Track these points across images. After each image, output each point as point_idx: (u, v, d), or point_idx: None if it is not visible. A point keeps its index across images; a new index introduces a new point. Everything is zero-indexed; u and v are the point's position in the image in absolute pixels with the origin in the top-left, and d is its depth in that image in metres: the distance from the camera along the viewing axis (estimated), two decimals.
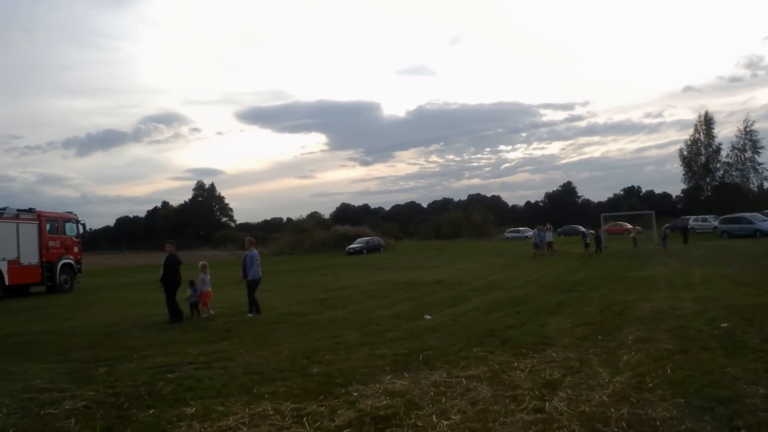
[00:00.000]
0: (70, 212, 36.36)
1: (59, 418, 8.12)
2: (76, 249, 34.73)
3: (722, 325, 12.86)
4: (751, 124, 77.91)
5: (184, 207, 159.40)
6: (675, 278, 23.49)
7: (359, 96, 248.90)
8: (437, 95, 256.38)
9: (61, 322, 19.37)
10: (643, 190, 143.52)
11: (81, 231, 36.36)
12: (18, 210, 31.69)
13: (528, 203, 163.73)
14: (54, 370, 11.44)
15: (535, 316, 15.53)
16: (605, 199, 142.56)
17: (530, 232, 73.56)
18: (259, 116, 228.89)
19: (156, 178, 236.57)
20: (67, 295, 31.37)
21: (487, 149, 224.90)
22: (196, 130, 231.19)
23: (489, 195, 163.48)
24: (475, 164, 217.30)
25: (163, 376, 10.43)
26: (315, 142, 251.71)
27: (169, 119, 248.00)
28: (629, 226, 77.50)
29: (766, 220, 54.62)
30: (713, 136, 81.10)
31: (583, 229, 66.64)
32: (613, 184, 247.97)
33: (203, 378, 10.27)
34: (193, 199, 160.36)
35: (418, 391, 8.69)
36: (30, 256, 31.13)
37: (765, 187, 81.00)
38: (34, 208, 32.70)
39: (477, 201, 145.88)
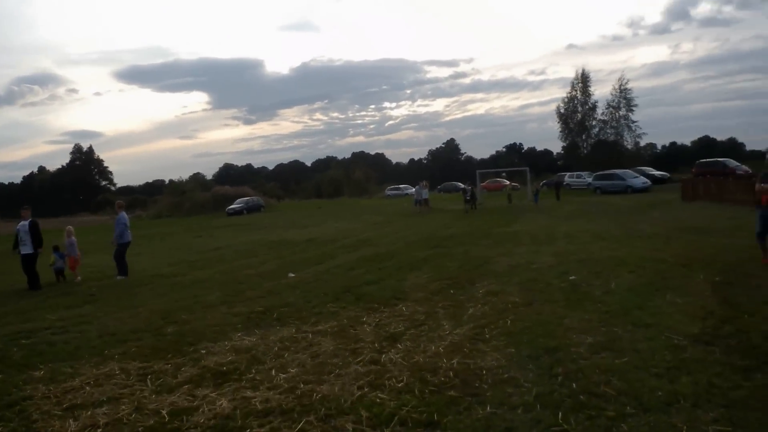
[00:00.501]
0: None
1: None
2: None
3: (571, 278, 13.33)
4: (626, 83, 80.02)
5: (61, 171, 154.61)
6: (540, 233, 24.07)
7: (242, 53, 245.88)
8: (322, 52, 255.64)
9: None
10: (525, 147, 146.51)
11: None
12: None
13: (412, 161, 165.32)
14: None
15: (396, 272, 15.91)
16: (488, 156, 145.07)
17: (411, 190, 74.65)
18: (138, 75, 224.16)
19: (32, 143, 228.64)
20: None
21: (372, 106, 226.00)
22: (72, 91, 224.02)
23: (373, 153, 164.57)
24: (359, 122, 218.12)
25: (18, 342, 10.53)
26: (197, 101, 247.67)
27: (44, 80, 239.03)
28: (507, 182, 79.40)
29: (637, 177, 56.45)
30: (590, 94, 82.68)
31: (462, 185, 67.94)
32: (495, 141, 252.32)
33: (57, 342, 10.40)
34: (71, 163, 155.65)
35: (264, 347, 9.04)
36: None
37: (640, 145, 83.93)
38: None
39: (360, 159, 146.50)
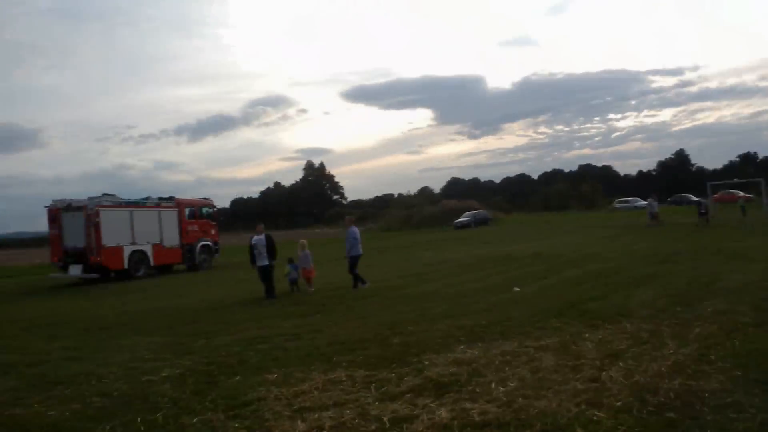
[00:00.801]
0: (206, 198, 39.92)
1: (156, 384, 9.01)
2: (213, 231, 38.07)
3: None
4: None
5: (295, 187, 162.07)
6: None
7: (463, 70, 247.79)
8: (542, 66, 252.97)
9: (172, 300, 20.82)
10: (760, 157, 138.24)
11: (217, 215, 39.76)
12: (159, 198, 35.83)
13: (640, 172, 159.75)
14: (159, 343, 12.49)
15: (622, 288, 15.60)
16: (720, 166, 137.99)
17: (640, 203, 72.47)
18: (364, 95, 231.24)
19: (267, 160, 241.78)
20: (203, 272, 34.83)
21: (597, 118, 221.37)
22: (302, 111, 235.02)
23: (600, 165, 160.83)
24: (584, 134, 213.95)
25: (254, 347, 11.24)
26: (422, 117, 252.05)
27: (276, 102, 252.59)
28: (741, 194, 75.31)
29: None
30: None
31: (695, 198, 65.13)
32: (728, 151, 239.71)
33: (290, 348, 11.01)
34: (304, 179, 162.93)
35: (485, 360, 9.11)
36: (171, 239, 35.02)
37: None
38: (174, 197, 36.61)
39: (587, 171, 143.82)
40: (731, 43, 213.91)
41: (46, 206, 33.27)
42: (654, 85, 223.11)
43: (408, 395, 7.60)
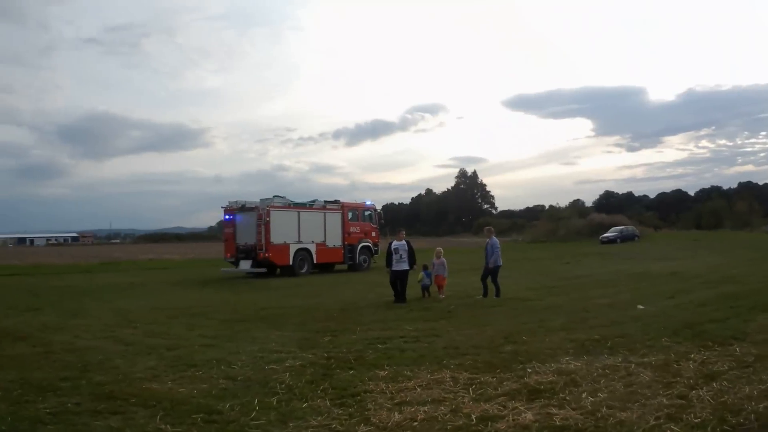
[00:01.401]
0: (370, 202, 42.15)
1: (278, 372, 9.97)
2: (374, 234, 40.32)
3: None
4: None
5: (446, 194, 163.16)
6: None
7: (625, 80, 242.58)
8: (707, 76, 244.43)
9: (309, 299, 21.93)
10: None
11: (379, 219, 41.91)
12: (325, 201, 38.64)
13: None
14: (288, 337, 13.51)
15: (747, 312, 15.36)
16: None
17: None
18: (523, 103, 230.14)
19: (421, 166, 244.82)
20: (363, 272, 37.37)
21: (763, 133, 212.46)
22: (459, 118, 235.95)
23: (762, 183, 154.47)
24: (749, 149, 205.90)
25: (374, 346, 12.06)
26: (580, 127, 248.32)
27: (434, 108, 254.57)
28: None
29: None
30: None
31: None
32: None
33: (407, 349, 11.76)
34: (456, 187, 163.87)
35: (585, 371, 9.53)
36: (334, 239, 37.54)
37: None
38: (339, 200, 39.09)
39: (748, 189, 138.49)
40: None
41: (222, 207, 36.64)
42: None
43: (502, 398, 8.13)
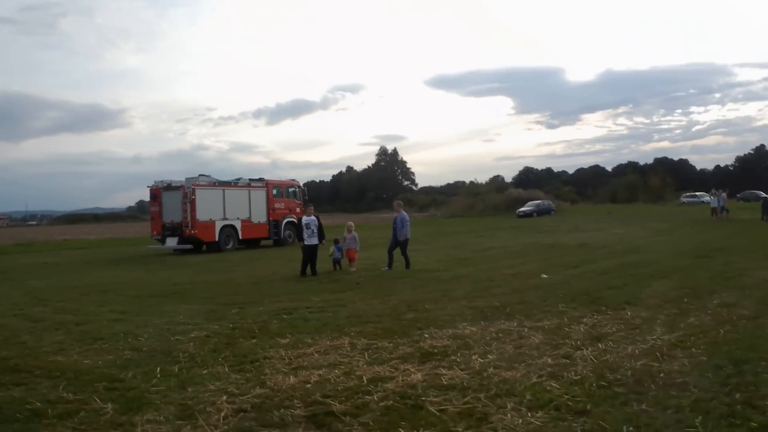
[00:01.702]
0: (293, 180, 42.93)
1: (182, 343, 10.20)
2: (298, 210, 39.73)
3: None
4: None
5: (367, 171, 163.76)
6: None
7: (544, 61, 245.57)
8: (624, 57, 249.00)
9: (222, 274, 22.08)
10: None
11: (304, 195, 42.03)
12: (250, 179, 39.35)
13: (717, 167, 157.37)
14: (196, 310, 13.70)
15: (644, 279, 16.05)
16: None
17: (707, 197, 72.00)
18: (444, 82, 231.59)
19: (342, 145, 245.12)
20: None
21: (678, 111, 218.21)
22: (381, 97, 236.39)
23: (677, 159, 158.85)
24: (664, 127, 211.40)
25: (279, 317, 12.35)
26: (501, 105, 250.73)
27: (354, 87, 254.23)
28: None
29: None
30: None
31: (764, 194, 64.45)
32: None
33: (311, 319, 12.06)
34: (376, 164, 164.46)
35: (479, 336, 9.95)
36: (259, 216, 38.10)
37: None
38: (263, 178, 39.74)
39: (662, 165, 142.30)
40: None
41: (148, 186, 36.88)
42: (740, 78, 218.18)
43: (395, 361, 8.48)
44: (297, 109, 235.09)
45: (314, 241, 20.12)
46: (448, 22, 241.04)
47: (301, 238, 20.34)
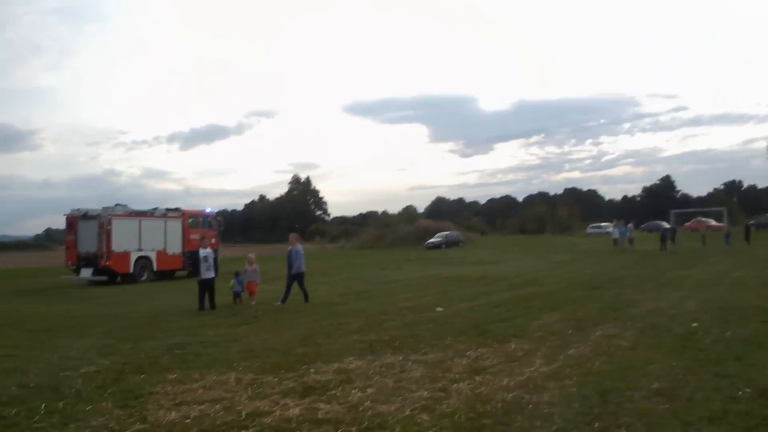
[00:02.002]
0: (210, 210, 42.72)
1: (71, 378, 10.20)
2: (213, 240, 39.46)
3: (693, 325, 13.58)
4: None
5: (280, 200, 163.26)
6: (710, 279, 24.04)
7: (458, 90, 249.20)
8: (537, 88, 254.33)
9: (122, 307, 22.08)
10: (745, 185, 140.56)
11: (219, 226, 42.18)
12: (166, 209, 39.33)
13: (625, 197, 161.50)
14: (90, 345, 13.70)
15: (535, 312, 16.57)
16: (705, 193, 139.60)
17: (611, 228, 74.15)
18: (360, 108, 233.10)
19: (257, 172, 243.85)
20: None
21: (589, 141, 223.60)
22: (296, 123, 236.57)
23: (586, 189, 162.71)
24: (575, 156, 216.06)
25: (172, 352, 12.43)
26: (416, 133, 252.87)
27: (270, 113, 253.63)
28: (713, 222, 77.19)
29: None
30: None
31: (666, 224, 66.62)
32: (716, 178, 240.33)
33: (203, 354, 12.21)
34: (289, 193, 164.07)
35: (363, 370, 10.27)
36: (174, 247, 37.94)
37: None
38: (180, 208, 39.83)
39: (572, 195, 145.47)
40: (724, 68, 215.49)
41: (65, 214, 36.57)
42: (648, 110, 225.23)
43: (276, 396, 8.74)
44: (211, 134, 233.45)
45: (211, 274, 20.17)
46: (365, 48, 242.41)
47: (197, 272, 20.37)
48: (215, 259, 20.71)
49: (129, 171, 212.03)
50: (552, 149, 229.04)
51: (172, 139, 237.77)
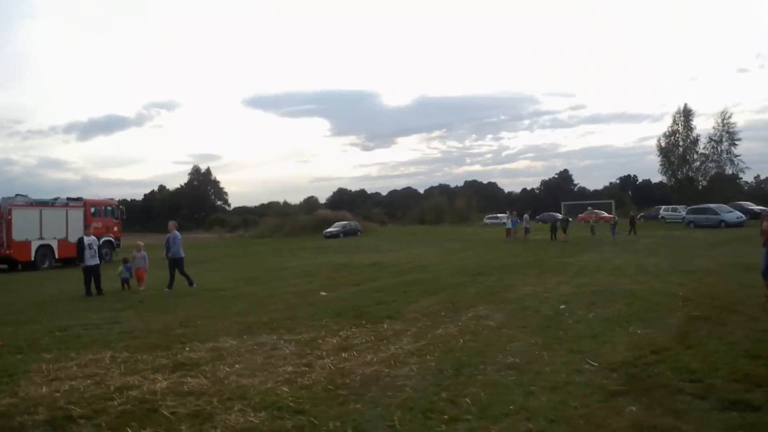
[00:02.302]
0: (111, 199, 43.56)
1: None
2: (116, 228, 41.58)
3: (561, 307, 14.26)
4: (729, 116, 79.98)
5: (180, 191, 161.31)
6: (591, 266, 24.78)
7: (360, 85, 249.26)
8: (439, 84, 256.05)
9: (10, 294, 22.00)
10: (640, 180, 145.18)
11: (121, 214, 43.09)
12: (68, 198, 40.23)
13: (524, 190, 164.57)
14: None
15: (415, 296, 17.03)
16: (601, 187, 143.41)
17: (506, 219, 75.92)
18: (262, 102, 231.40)
19: (156, 163, 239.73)
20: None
21: (489, 136, 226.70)
22: (197, 115, 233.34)
23: (486, 182, 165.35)
24: (476, 151, 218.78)
25: (53, 334, 12.68)
26: (318, 127, 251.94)
27: (171, 105, 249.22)
28: (605, 214, 79.63)
29: (731, 212, 56.19)
30: (691, 128, 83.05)
31: (559, 215, 68.31)
32: (613, 173, 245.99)
33: (83, 335, 12.47)
34: (189, 183, 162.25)
35: (236, 348, 10.71)
36: (76, 234, 36.83)
37: (739, 179, 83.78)
38: (82, 197, 40.34)
39: (472, 187, 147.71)
40: (623, 67, 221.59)
41: None
42: (547, 107, 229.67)
43: (147, 372, 9.15)
44: (110, 124, 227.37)
45: (95, 261, 20.31)
46: (267, 42, 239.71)
47: (82, 259, 20.46)
48: (100, 247, 20.60)
49: (24, 161, 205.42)
50: (454, 144, 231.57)
51: (69, 129, 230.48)
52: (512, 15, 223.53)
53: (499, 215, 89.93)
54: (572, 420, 6.77)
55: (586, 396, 7.58)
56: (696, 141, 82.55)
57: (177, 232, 21.57)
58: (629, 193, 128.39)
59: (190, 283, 21.01)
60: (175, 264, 21.18)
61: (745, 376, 8.14)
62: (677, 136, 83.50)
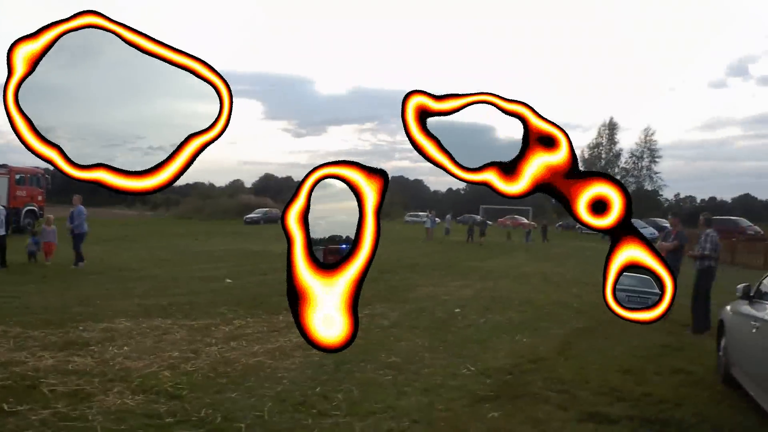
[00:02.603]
0: (36, 167, 41.46)
1: None
2: (39, 198, 40.22)
3: (456, 310, 14.77)
4: (652, 134, 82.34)
5: None
6: (497, 270, 25.52)
7: (297, 71, 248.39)
8: (375, 75, 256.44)
9: None
10: None
11: (47, 184, 41.74)
12: None
13: (450, 190, 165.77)
14: None
15: None
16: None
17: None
18: None
19: None
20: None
21: None
22: None
23: (413, 179, 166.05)
24: (407, 146, 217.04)
25: None
26: (251, 109, 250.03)
27: None
28: (525, 220, 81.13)
29: (645, 227, 57.64)
30: (615, 142, 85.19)
31: (478, 217, 69.34)
32: None
33: None
34: None
35: (128, 330, 10.95)
36: (0, 202, 35.37)
37: (660, 195, 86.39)
38: (7, 164, 38.41)
39: (398, 183, 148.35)
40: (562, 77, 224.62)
41: None
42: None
43: (36, 349, 9.34)
44: None
45: (1, 231, 20.08)
46: (205, 20, 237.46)
47: None
48: (7, 218, 20.47)
49: None
50: (384, 137, 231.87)
51: None
52: (451, 15, 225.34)
53: (420, 213, 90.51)
54: (434, 422, 7.20)
55: (454, 400, 7.97)
56: (618, 155, 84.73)
57: (82, 207, 21.44)
58: (552, 201, 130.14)
59: (79, 261, 20.81)
60: (75, 238, 21.09)
61: (612, 390, 8.64)
62: (600, 148, 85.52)
